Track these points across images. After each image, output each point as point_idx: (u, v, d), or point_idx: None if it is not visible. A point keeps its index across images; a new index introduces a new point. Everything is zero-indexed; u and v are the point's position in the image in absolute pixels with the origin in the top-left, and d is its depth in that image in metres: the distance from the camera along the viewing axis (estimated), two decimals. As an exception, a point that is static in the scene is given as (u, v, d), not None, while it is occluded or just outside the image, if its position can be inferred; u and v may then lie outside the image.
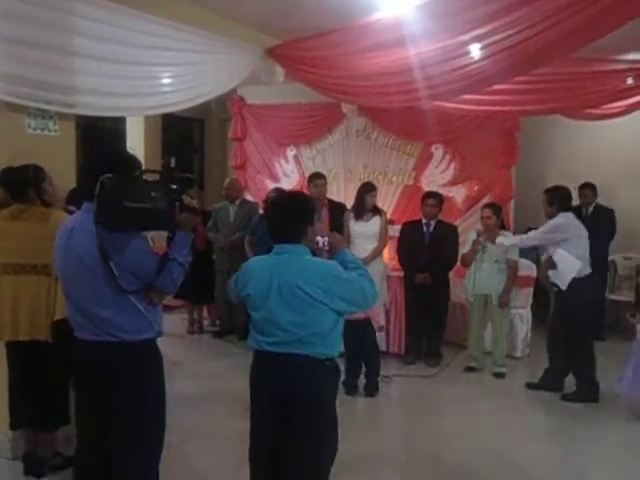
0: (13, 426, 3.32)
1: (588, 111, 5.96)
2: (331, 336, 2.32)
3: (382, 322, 5.15)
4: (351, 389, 4.67)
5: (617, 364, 5.42)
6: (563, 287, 4.52)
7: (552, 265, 4.58)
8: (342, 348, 2.45)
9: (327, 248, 2.50)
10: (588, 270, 4.55)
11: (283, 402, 2.31)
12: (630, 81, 5.29)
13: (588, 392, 4.55)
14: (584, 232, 4.60)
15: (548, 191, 4.72)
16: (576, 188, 6.16)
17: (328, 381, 2.38)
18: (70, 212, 3.10)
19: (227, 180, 6.57)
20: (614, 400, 4.58)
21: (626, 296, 6.61)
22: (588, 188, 6.25)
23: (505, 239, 4.94)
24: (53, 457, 3.27)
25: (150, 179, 2.33)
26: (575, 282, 4.47)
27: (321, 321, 2.28)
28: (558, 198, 4.63)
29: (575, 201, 6.27)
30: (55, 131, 3.59)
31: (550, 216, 4.65)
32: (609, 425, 4.20)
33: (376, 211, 5.40)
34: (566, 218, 4.58)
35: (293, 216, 2.36)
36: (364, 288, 2.31)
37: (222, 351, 5.72)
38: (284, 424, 2.32)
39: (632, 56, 5.18)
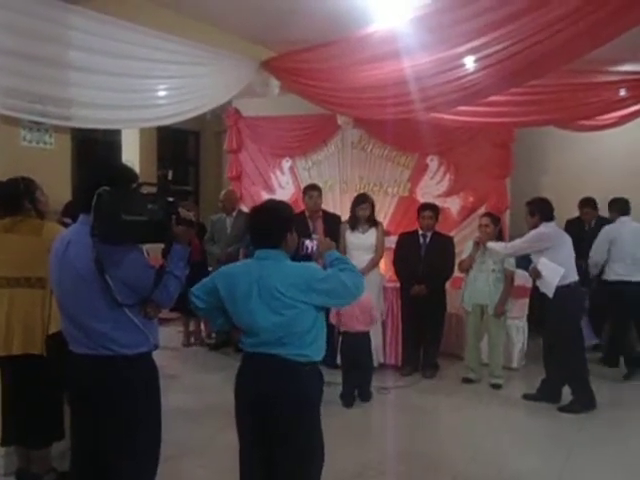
0: (6, 442, 3.27)
1: (582, 122, 6.02)
2: (310, 335, 2.34)
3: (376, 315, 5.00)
4: (349, 400, 4.65)
5: (615, 372, 5.44)
6: (550, 295, 4.56)
7: (537, 274, 4.63)
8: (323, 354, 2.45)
9: (316, 252, 2.56)
10: (574, 277, 4.59)
11: (261, 405, 2.32)
12: (623, 92, 5.36)
13: (584, 401, 4.54)
14: (568, 240, 4.67)
15: (530, 203, 4.79)
16: (576, 201, 6.20)
17: (308, 385, 2.37)
18: (65, 225, 3.09)
19: (223, 192, 6.57)
20: (611, 408, 4.58)
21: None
22: (588, 205, 6.27)
23: (492, 244, 5.02)
24: (47, 473, 3.22)
25: (147, 192, 2.32)
26: (561, 290, 4.50)
27: (301, 321, 2.32)
28: (539, 209, 4.69)
29: (570, 212, 6.33)
30: (51, 144, 3.59)
31: (532, 227, 4.71)
32: (607, 433, 4.20)
33: (373, 223, 5.43)
34: (548, 228, 4.64)
35: (273, 223, 2.42)
36: (343, 281, 2.35)
37: (218, 364, 5.68)
38: (267, 429, 2.32)
39: (625, 67, 5.26)
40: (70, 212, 3.29)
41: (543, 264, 4.58)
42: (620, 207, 5.60)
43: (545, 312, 4.75)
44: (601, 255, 5.47)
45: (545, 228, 4.63)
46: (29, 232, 3.03)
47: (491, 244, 5.03)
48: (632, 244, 5.40)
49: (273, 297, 2.29)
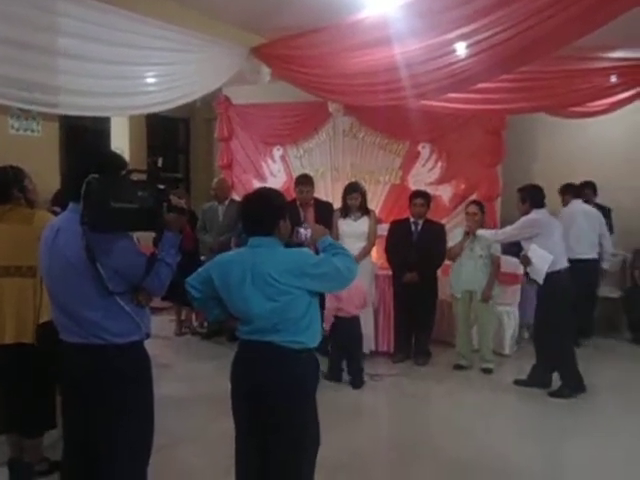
0: None
1: (572, 109, 6.01)
2: (304, 320, 2.35)
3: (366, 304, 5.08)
4: (336, 373, 4.78)
5: (603, 360, 5.50)
6: (540, 281, 4.59)
7: (527, 261, 4.66)
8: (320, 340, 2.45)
9: (309, 239, 2.56)
10: (564, 264, 4.62)
11: (257, 392, 2.32)
12: (614, 79, 5.35)
13: (573, 385, 4.60)
14: (558, 226, 4.70)
15: (521, 190, 4.80)
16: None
17: (303, 373, 2.38)
18: (55, 213, 3.06)
19: (215, 180, 6.53)
20: (601, 393, 4.64)
21: (611, 292, 6.68)
22: (589, 188, 6.26)
23: (482, 231, 5.06)
24: (39, 463, 3.22)
25: (137, 179, 2.30)
26: (551, 276, 4.53)
27: (295, 306, 2.32)
28: (530, 196, 4.71)
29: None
30: (38, 132, 3.55)
31: (523, 214, 4.73)
32: (597, 417, 4.25)
33: (365, 211, 5.43)
34: (539, 214, 4.66)
35: (265, 211, 2.42)
36: (336, 265, 2.35)
37: (210, 352, 5.68)
38: (263, 417, 2.33)
39: (615, 54, 5.25)
40: (60, 201, 3.26)
41: (533, 251, 4.60)
42: (574, 191, 6.08)
43: (537, 298, 4.79)
44: None
45: (535, 214, 4.65)
46: (19, 221, 3.01)
47: (481, 231, 5.06)
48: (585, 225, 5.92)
49: (267, 283, 2.29)
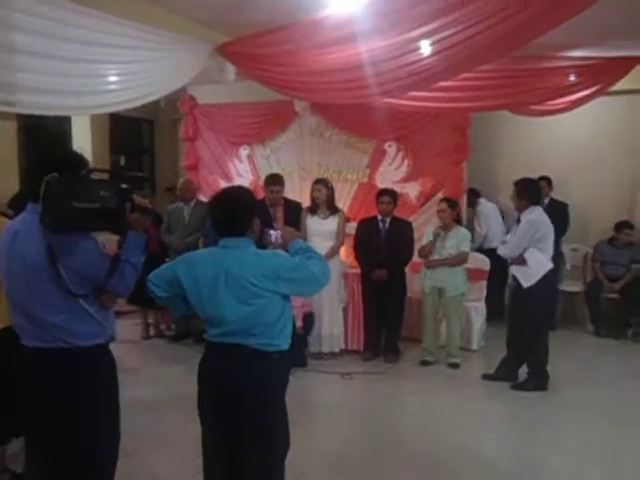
0: None
1: (533, 107, 6.13)
2: (277, 325, 2.32)
3: (301, 324, 5.11)
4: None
5: (567, 353, 5.63)
6: (525, 285, 4.55)
7: (522, 261, 4.55)
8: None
9: (280, 241, 2.52)
10: (551, 265, 4.61)
11: (228, 394, 2.28)
12: (572, 78, 5.48)
13: (538, 381, 4.67)
14: (551, 228, 4.62)
15: (517, 184, 4.67)
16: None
17: (274, 375, 2.36)
18: (8, 217, 2.95)
19: (181, 181, 6.46)
20: (564, 388, 4.73)
21: (574, 286, 6.84)
22: (544, 181, 6.35)
23: (500, 250, 4.82)
24: (1, 472, 3.12)
25: (99, 178, 2.24)
26: (542, 278, 4.52)
27: (269, 310, 2.28)
28: (527, 191, 4.61)
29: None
30: (-5, 131, 3.43)
31: (520, 209, 4.65)
32: (561, 412, 4.34)
33: (334, 210, 5.44)
34: (535, 214, 4.58)
35: (238, 210, 2.35)
36: (311, 269, 2.32)
37: (178, 355, 5.60)
38: (233, 417, 2.29)
39: (575, 53, 5.38)
40: (17, 203, 3.15)
41: (531, 252, 4.51)
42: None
43: (514, 295, 4.79)
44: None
45: (532, 214, 4.55)
46: None
47: (501, 250, 4.77)
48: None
49: (242, 287, 2.23)
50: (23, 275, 2.12)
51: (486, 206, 6.87)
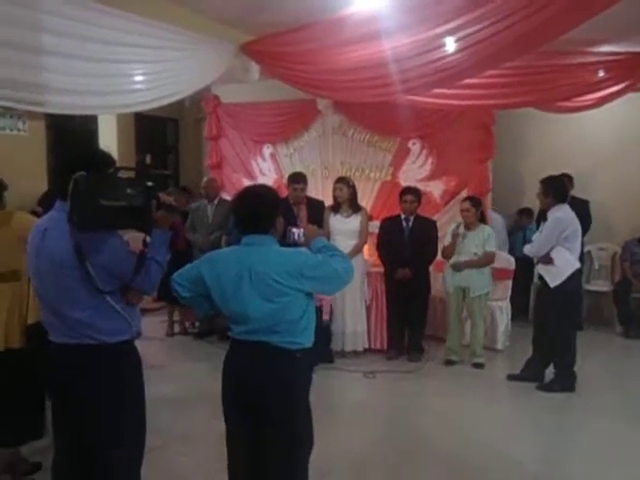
0: None
1: (560, 104, 6.02)
2: (301, 323, 2.32)
3: (326, 317, 5.17)
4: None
5: (594, 354, 5.52)
6: (552, 284, 4.47)
7: (548, 261, 4.49)
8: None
9: (303, 239, 2.51)
10: (578, 265, 4.54)
11: (251, 391, 2.29)
12: (601, 74, 5.37)
13: (566, 382, 4.59)
14: (579, 226, 4.54)
15: (543, 182, 4.61)
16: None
17: (297, 373, 2.35)
18: (37, 214, 3.00)
19: (205, 179, 6.51)
20: (591, 389, 4.65)
21: (602, 286, 6.72)
22: (565, 178, 6.21)
23: (526, 249, 4.77)
24: (16, 466, 3.11)
25: (125, 176, 2.27)
26: (570, 278, 4.45)
27: (293, 308, 2.28)
28: (553, 189, 4.54)
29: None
30: (24, 131, 3.50)
31: (546, 208, 4.59)
32: (588, 414, 4.25)
33: (356, 208, 5.42)
34: (562, 212, 4.50)
35: (262, 208, 2.36)
36: (334, 266, 2.31)
37: (202, 352, 5.65)
38: (257, 415, 2.30)
39: (603, 48, 5.27)
40: (46, 201, 3.21)
41: (558, 252, 4.44)
42: None
43: (540, 295, 4.73)
44: None
45: (559, 212, 4.48)
46: None
47: (528, 248, 4.72)
48: None
49: (266, 284, 2.23)
50: (51, 272, 2.15)
51: (492, 217, 6.54)
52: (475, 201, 5.28)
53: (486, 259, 5.18)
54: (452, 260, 5.25)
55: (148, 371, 2.45)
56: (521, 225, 6.93)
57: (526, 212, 6.87)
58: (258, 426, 2.31)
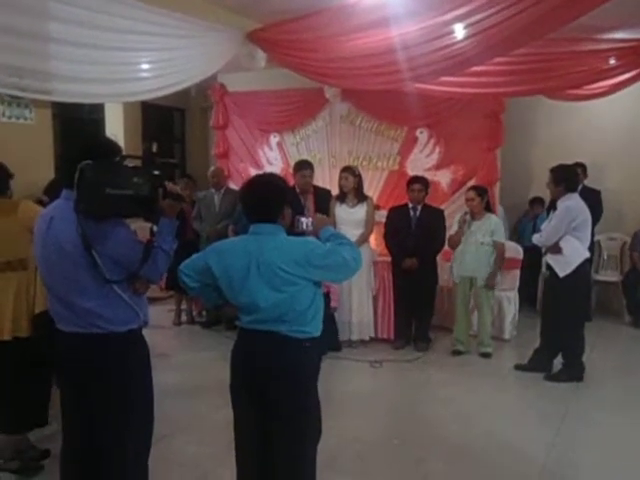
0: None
1: (570, 92, 5.95)
2: (309, 312, 2.31)
3: (335, 304, 5.21)
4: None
5: (603, 344, 5.50)
6: (561, 274, 4.43)
7: (557, 250, 4.45)
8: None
9: (311, 229, 2.50)
10: (587, 254, 4.50)
11: (259, 380, 2.29)
12: (612, 61, 5.28)
13: (574, 372, 4.58)
14: (589, 216, 4.49)
15: (553, 170, 4.55)
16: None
17: (305, 362, 2.35)
18: (42, 203, 3.00)
19: (212, 169, 6.49)
20: (599, 380, 4.63)
21: (611, 276, 6.67)
22: (579, 167, 6.12)
23: (535, 238, 4.73)
24: (10, 461, 3.11)
25: (132, 165, 2.26)
26: (578, 268, 4.41)
27: (301, 297, 2.27)
28: (564, 178, 4.48)
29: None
30: (31, 119, 3.49)
31: (556, 197, 4.55)
32: (596, 404, 4.23)
33: (363, 197, 5.40)
34: (572, 201, 4.45)
35: (270, 196, 2.34)
36: (344, 255, 2.29)
37: (209, 342, 5.67)
38: (265, 404, 2.30)
39: (615, 35, 5.19)
40: (52, 190, 3.20)
41: (566, 241, 4.40)
42: None
43: (548, 285, 4.69)
44: None
45: (570, 201, 4.43)
46: (3, 213, 2.94)
47: (536, 238, 4.69)
48: None
49: (274, 274, 2.22)
50: (58, 261, 2.15)
51: None
52: (480, 190, 5.23)
53: (498, 252, 5.14)
54: (458, 249, 5.22)
55: (155, 360, 2.46)
56: (532, 214, 6.88)
57: (537, 201, 6.81)
58: (266, 415, 2.31)
